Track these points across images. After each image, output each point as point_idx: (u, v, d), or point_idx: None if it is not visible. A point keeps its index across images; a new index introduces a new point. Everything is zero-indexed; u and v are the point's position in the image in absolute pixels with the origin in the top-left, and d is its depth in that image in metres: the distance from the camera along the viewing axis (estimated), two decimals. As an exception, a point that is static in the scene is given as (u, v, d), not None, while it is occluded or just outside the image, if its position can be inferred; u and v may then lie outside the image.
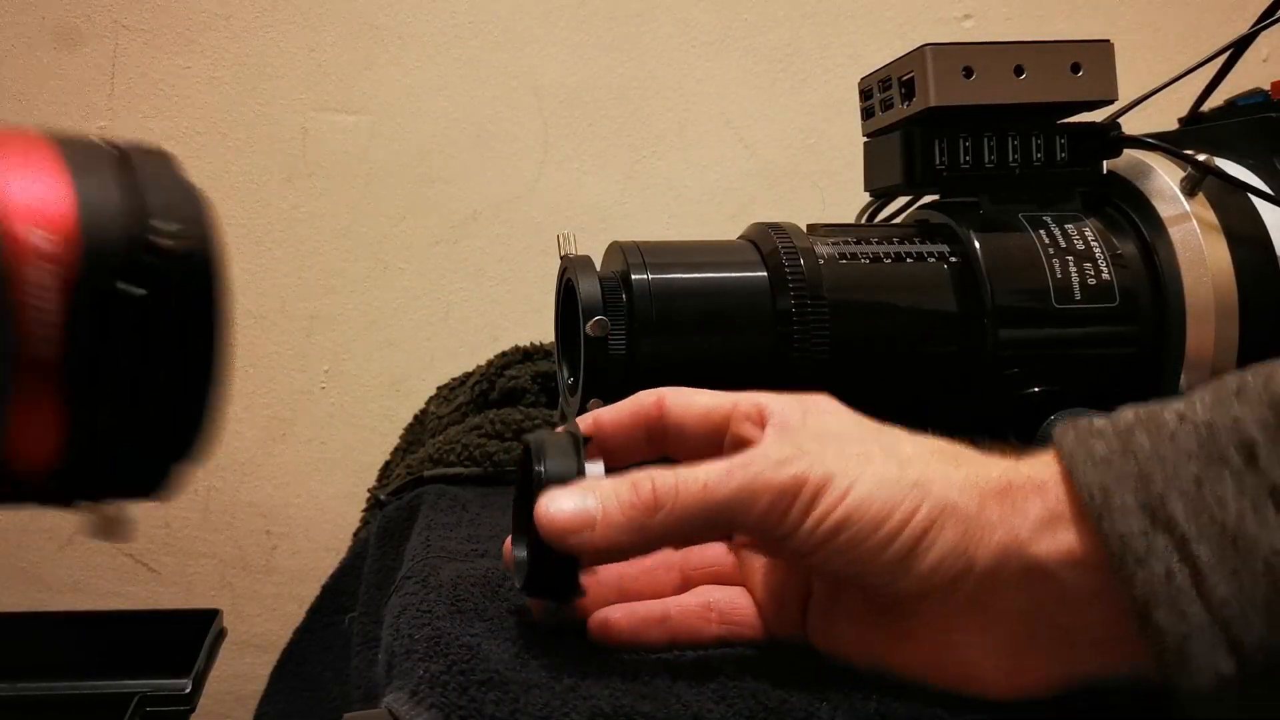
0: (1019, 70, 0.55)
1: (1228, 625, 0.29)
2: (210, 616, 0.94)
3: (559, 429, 0.39)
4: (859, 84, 0.62)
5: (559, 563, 0.36)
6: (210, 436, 0.32)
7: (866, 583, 0.35)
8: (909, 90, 0.56)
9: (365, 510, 0.74)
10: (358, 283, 1.15)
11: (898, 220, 0.63)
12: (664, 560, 0.41)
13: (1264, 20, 0.60)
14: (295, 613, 0.69)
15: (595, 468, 0.37)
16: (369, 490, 0.74)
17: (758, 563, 0.41)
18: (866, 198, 0.64)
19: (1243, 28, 0.60)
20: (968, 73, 0.55)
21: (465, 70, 1.15)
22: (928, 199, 0.60)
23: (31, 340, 0.28)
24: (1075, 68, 0.56)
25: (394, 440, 0.80)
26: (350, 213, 1.12)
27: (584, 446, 0.38)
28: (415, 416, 0.79)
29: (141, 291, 0.29)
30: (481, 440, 0.65)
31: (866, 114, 0.61)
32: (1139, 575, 0.30)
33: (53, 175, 0.29)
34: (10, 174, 0.29)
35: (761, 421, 0.37)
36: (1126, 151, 0.58)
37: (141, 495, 0.33)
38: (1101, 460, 0.32)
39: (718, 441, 0.39)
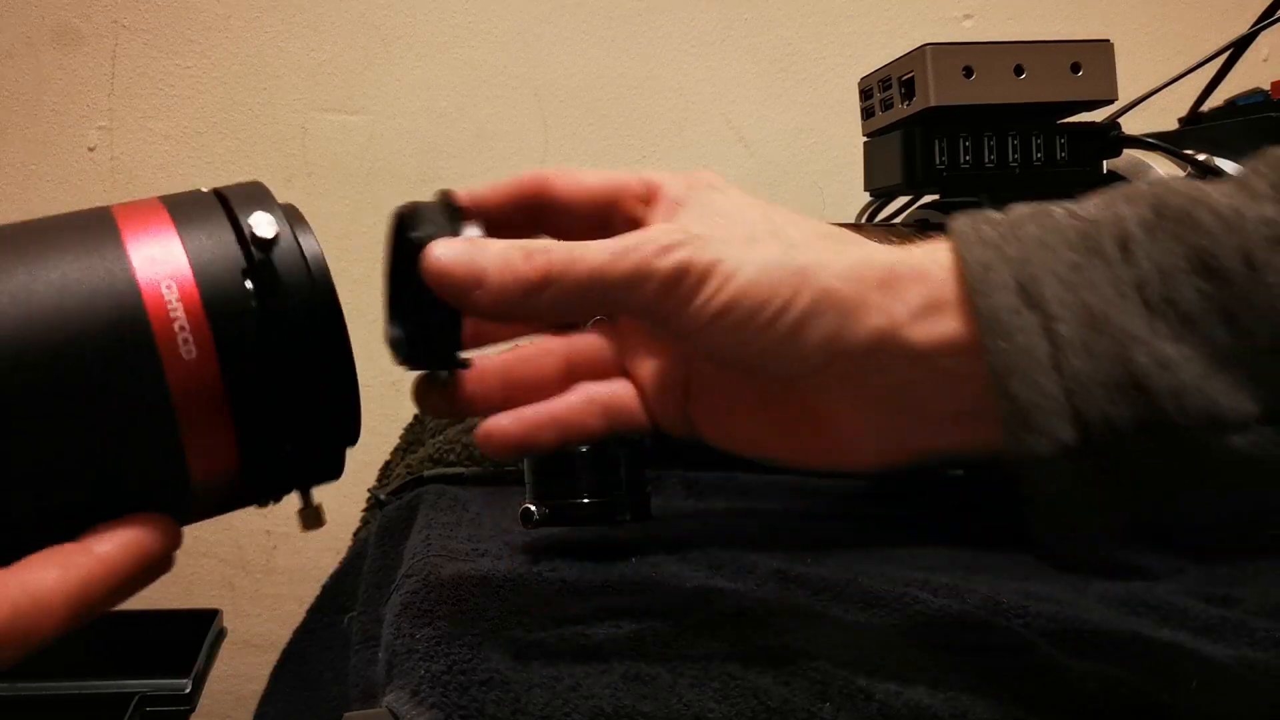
0: (1019, 70, 0.55)
1: (1073, 396, 0.31)
2: (210, 616, 0.94)
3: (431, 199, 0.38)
4: (859, 84, 0.62)
5: (441, 324, 0.36)
6: (359, 414, 0.35)
7: (749, 364, 0.36)
8: (909, 90, 0.56)
9: (365, 510, 0.74)
10: (358, 283, 1.15)
11: (898, 220, 0.63)
12: (545, 348, 0.41)
13: (1264, 20, 0.60)
14: (295, 613, 0.69)
15: (473, 232, 0.36)
16: (369, 490, 0.74)
17: (639, 353, 0.41)
18: (866, 197, 0.64)
19: (1243, 28, 0.60)
20: (968, 73, 0.55)
21: (465, 70, 1.15)
22: (928, 199, 0.60)
23: (181, 381, 0.31)
24: (1075, 68, 0.56)
25: (394, 440, 0.80)
26: (350, 213, 1.12)
27: (459, 214, 0.36)
28: (415, 416, 0.79)
29: (253, 291, 0.32)
30: (482, 440, 0.65)
31: (866, 114, 0.61)
32: (1001, 347, 0.32)
33: (162, 228, 0.32)
34: (131, 242, 0.32)
35: (651, 200, 0.38)
36: (1126, 151, 0.58)
37: (322, 480, 0.36)
38: (989, 241, 0.33)
39: (604, 223, 0.39)
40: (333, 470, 0.36)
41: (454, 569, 0.45)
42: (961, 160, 0.56)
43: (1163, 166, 0.56)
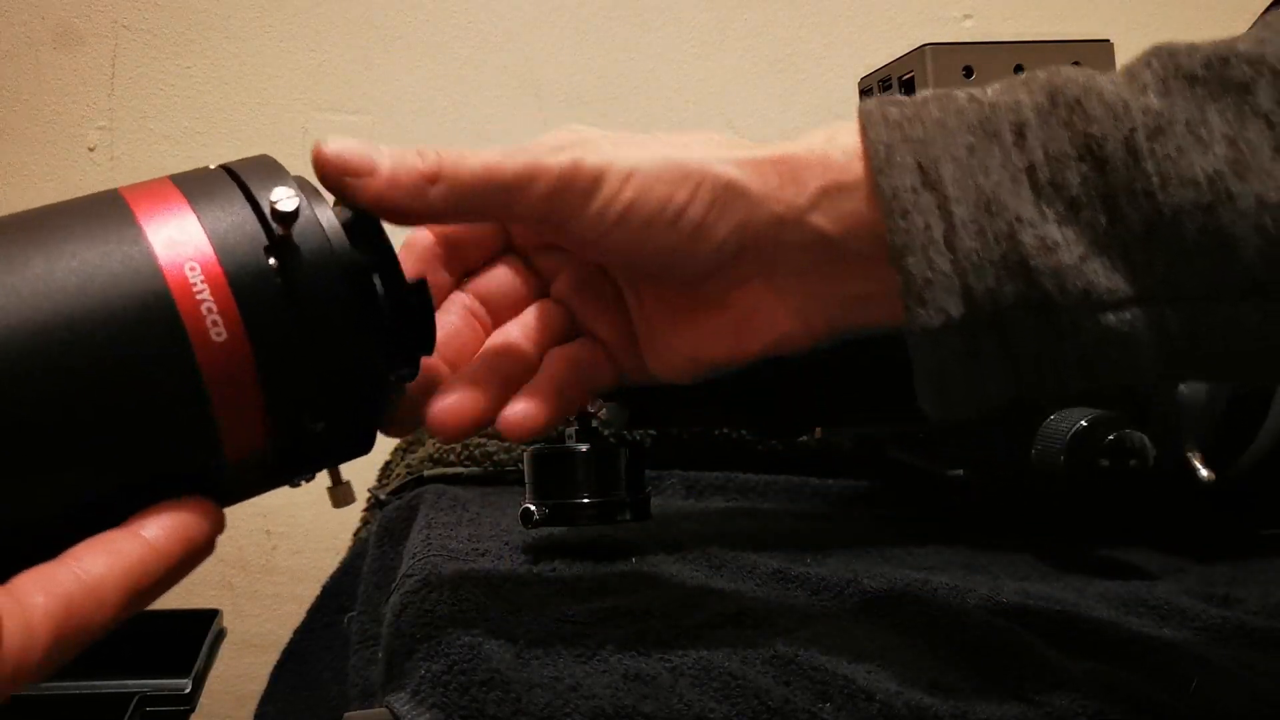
0: (1019, 70, 0.55)
1: (965, 274, 0.33)
2: (210, 616, 0.94)
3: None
4: (859, 84, 0.62)
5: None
6: (387, 389, 0.35)
7: (658, 267, 0.36)
8: (909, 90, 0.56)
9: (365, 510, 0.74)
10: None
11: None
12: (467, 323, 0.41)
13: (1264, 20, 0.60)
14: (295, 613, 0.69)
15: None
16: (369, 490, 0.74)
17: (593, 311, 0.40)
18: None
19: (1242, 28, 0.60)
20: (968, 72, 0.55)
21: (465, 70, 1.15)
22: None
23: (212, 364, 0.30)
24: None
25: (394, 440, 0.80)
26: (350, 213, 1.12)
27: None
28: (415, 416, 0.79)
29: (277, 268, 0.31)
30: (481, 440, 0.65)
31: (867, 114, 0.61)
32: (901, 225, 0.33)
33: (177, 207, 0.32)
34: (147, 224, 0.31)
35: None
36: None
37: (352, 456, 0.35)
38: (894, 123, 0.34)
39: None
40: (363, 445, 0.35)
41: (454, 569, 0.45)
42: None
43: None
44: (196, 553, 0.32)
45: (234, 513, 0.34)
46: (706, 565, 0.49)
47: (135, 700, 0.82)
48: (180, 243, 0.31)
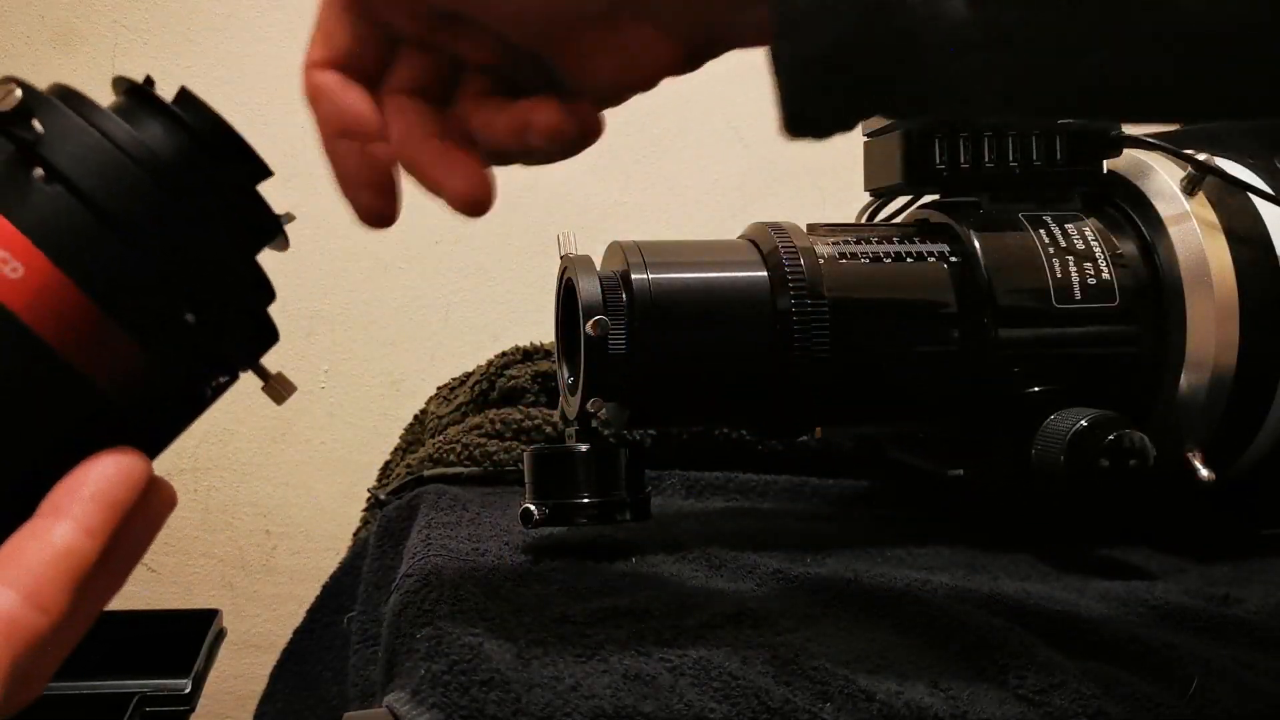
0: None
1: (834, 6, 0.32)
2: (210, 616, 0.94)
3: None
4: None
5: None
6: (244, 254, 0.33)
7: (537, 14, 0.36)
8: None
9: (365, 510, 0.74)
10: (358, 283, 1.15)
11: (898, 220, 0.63)
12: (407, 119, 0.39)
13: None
14: (295, 613, 0.69)
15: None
16: (369, 490, 0.74)
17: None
18: (867, 197, 0.64)
19: None
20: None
21: (465, 70, 1.15)
22: (928, 198, 0.60)
23: (23, 302, 0.28)
24: (1075, 67, 0.56)
25: (394, 440, 0.80)
26: (350, 213, 1.12)
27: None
28: (415, 416, 0.79)
29: (44, 173, 0.29)
30: (481, 440, 0.65)
31: (867, 114, 0.61)
32: None
33: None
34: None
35: None
36: (1126, 151, 0.58)
37: (258, 348, 0.34)
38: None
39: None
40: (264, 334, 0.33)
41: (454, 569, 0.45)
42: (961, 160, 0.56)
43: (1163, 166, 0.56)
44: (143, 506, 0.30)
45: (234, 513, 0.34)
46: (706, 565, 0.49)
47: (135, 700, 0.82)
48: None
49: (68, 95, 0.31)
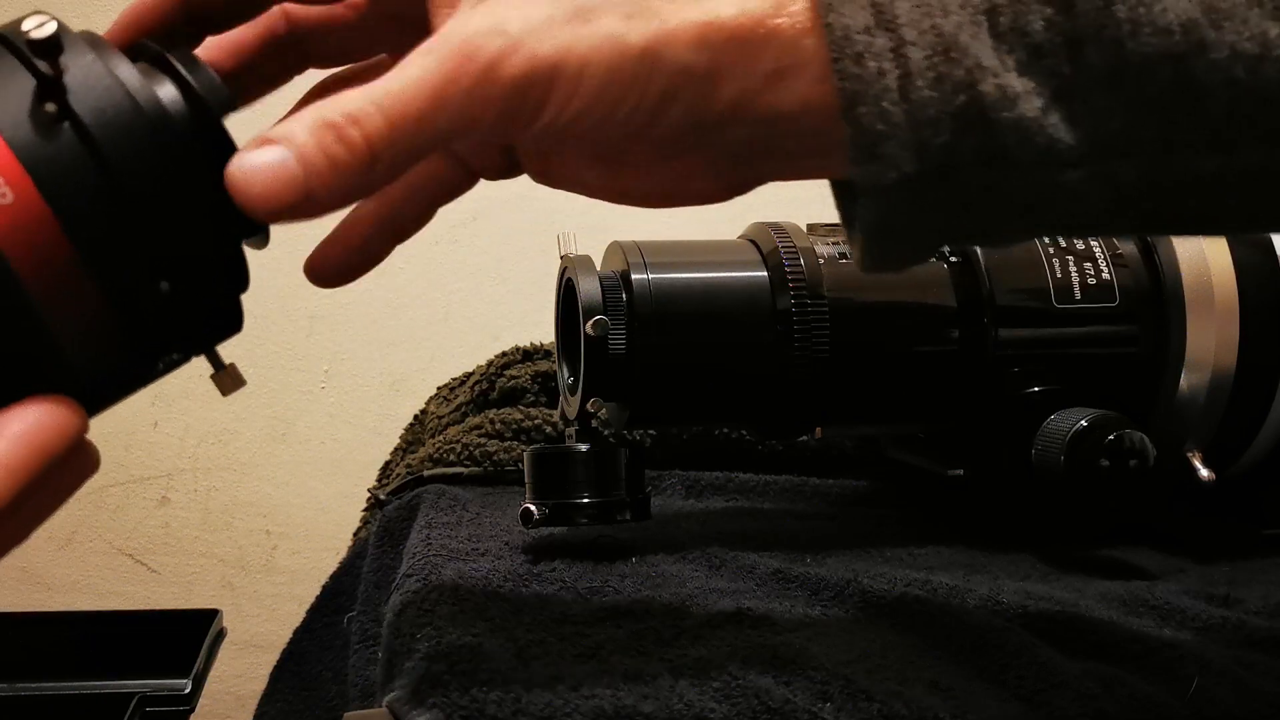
0: None
1: (919, 127, 0.30)
2: (210, 616, 0.94)
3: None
4: None
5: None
6: (233, 237, 0.32)
7: (601, 153, 0.35)
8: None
9: (365, 510, 0.74)
10: (358, 283, 1.15)
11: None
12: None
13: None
14: (295, 613, 0.69)
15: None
16: (369, 490, 0.74)
17: None
18: (867, 197, 0.64)
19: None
20: None
21: (465, 70, 1.15)
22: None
23: (4, 228, 0.28)
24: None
25: (394, 440, 0.80)
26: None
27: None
28: (415, 416, 0.79)
29: (58, 111, 0.28)
30: (481, 440, 0.65)
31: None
32: (852, 70, 0.30)
33: None
34: None
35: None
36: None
37: (220, 334, 0.33)
38: None
39: (373, 40, 0.38)
40: (230, 321, 0.33)
41: (454, 569, 0.45)
42: (961, 160, 0.57)
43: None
44: (60, 462, 0.29)
45: (234, 513, 0.34)
46: (706, 565, 0.49)
47: (135, 700, 0.82)
48: None
49: (96, 42, 0.31)
